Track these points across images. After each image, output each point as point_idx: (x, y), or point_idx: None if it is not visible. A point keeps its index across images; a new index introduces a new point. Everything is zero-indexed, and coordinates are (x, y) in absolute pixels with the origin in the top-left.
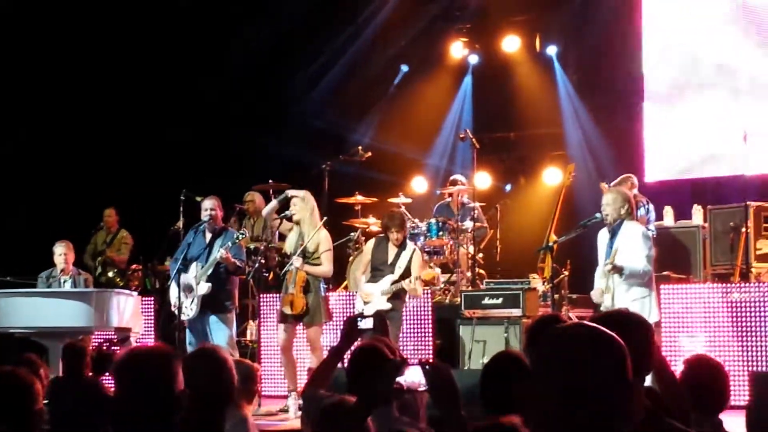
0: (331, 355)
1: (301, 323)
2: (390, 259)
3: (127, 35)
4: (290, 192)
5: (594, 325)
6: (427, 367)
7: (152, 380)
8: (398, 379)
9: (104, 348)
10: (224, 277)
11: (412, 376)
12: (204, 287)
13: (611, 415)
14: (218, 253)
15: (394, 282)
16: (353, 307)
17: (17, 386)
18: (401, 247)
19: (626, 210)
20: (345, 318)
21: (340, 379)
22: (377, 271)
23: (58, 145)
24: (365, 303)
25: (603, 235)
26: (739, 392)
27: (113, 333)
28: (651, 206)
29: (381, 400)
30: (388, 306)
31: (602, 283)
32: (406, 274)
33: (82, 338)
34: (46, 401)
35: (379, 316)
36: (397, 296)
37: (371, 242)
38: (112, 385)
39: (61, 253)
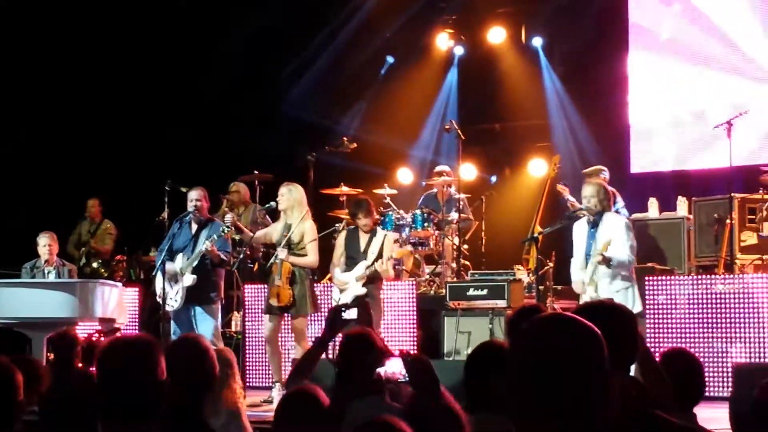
0: (315, 345)
1: (287, 314)
2: (362, 247)
3: (113, 28)
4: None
5: (570, 314)
6: (407, 358)
7: (134, 369)
8: (379, 370)
9: (94, 339)
10: (209, 268)
11: (393, 367)
12: (189, 279)
13: (587, 405)
14: (203, 245)
15: (368, 267)
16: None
17: None
18: (372, 233)
19: (607, 202)
20: (329, 309)
21: (324, 370)
22: (351, 260)
23: (39, 136)
24: (341, 291)
25: (580, 227)
26: (723, 384)
27: (98, 324)
28: (620, 198)
29: (361, 391)
30: (363, 291)
31: (580, 275)
32: (379, 258)
33: (66, 329)
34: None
35: (363, 306)
36: (371, 281)
37: (342, 234)
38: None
39: (45, 244)
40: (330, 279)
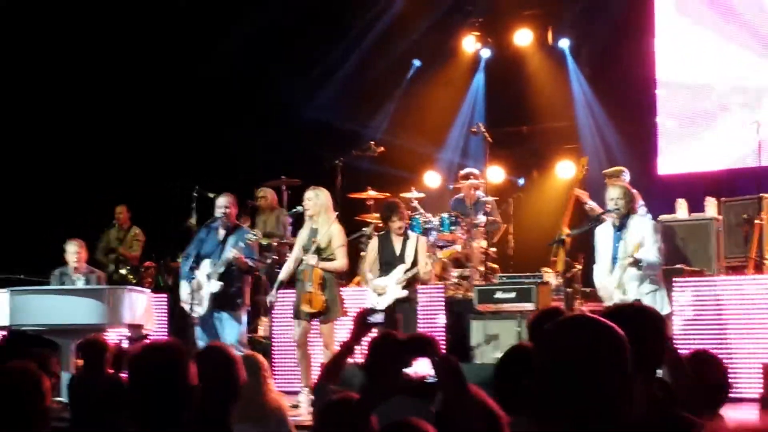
0: (341, 350)
1: (316, 319)
2: (398, 251)
3: (140, 33)
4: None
5: (592, 316)
6: (435, 359)
7: (164, 375)
8: (407, 370)
9: (123, 346)
10: (236, 275)
11: (422, 368)
12: (215, 285)
13: (609, 406)
14: (230, 253)
15: (407, 270)
16: (366, 303)
17: (19, 384)
18: (405, 237)
19: (633, 204)
20: (356, 313)
21: (350, 375)
22: (387, 265)
23: (69, 143)
24: (379, 295)
25: (604, 231)
26: (753, 384)
27: (126, 330)
28: (641, 201)
29: (388, 393)
30: (404, 293)
31: (606, 280)
32: (416, 262)
33: (94, 336)
34: (59, 398)
35: (390, 311)
36: (410, 284)
37: (374, 241)
38: None
39: (74, 251)
40: (358, 283)
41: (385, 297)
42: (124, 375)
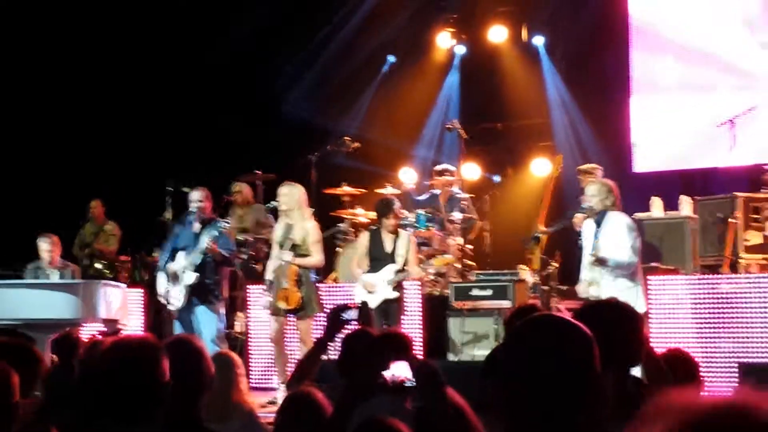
0: (315, 346)
1: (292, 315)
2: (388, 249)
3: (111, 26)
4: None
5: (561, 315)
6: (414, 362)
7: (136, 371)
8: (385, 373)
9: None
10: (212, 267)
11: (399, 371)
12: (191, 277)
13: (576, 406)
14: (203, 244)
15: (399, 271)
16: (343, 299)
17: None
18: (396, 235)
19: (611, 201)
20: (329, 310)
21: (327, 370)
22: (375, 261)
23: (42, 137)
24: (369, 293)
25: (588, 226)
26: (729, 384)
27: (102, 325)
28: None
29: (366, 393)
30: (395, 295)
31: (588, 276)
32: (407, 262)
33: (69, 330)
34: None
35: (364, 307)
36: (398, 285)
37: (365, 235)
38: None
39: (47, 249)
40: (335, 279)
41: (375, 296)
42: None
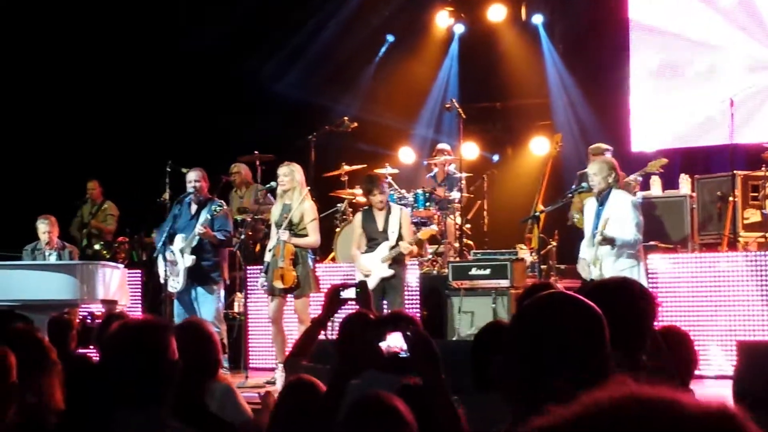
0: (313, 325)
1: (289, 295)
2: (381, 227)
3: (110, 7)
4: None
5: (570, 294)
6: (408, 333)
7: (146, 352)
8: (380, 344)
9: (87, 321)
10: (210, 249)
11: (394, 342)
12: (189, 259)
13: (586, 384)
14: (197, 229)
15: (392, 247)
16: (341, 278)
17: None
18: (388, 211)
19: (614, 178)
20: (327, 288)
21: (327, 350)
22: (372, 241)
23: (40, 117)
24: (365, 276)
25: (590, 204)
26: (727, 362)
27: (100, 306)
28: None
29: (360, 368)
30: (390, 272)
31: (589, 254)
32: (400, 237)
33: (67, 311)
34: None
35: (363, 286)
36: (396, 261)
37: (358, 216)
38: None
39: (45, 231)
40: (333, 259)
41: (371, 278)
42: (89, 351)
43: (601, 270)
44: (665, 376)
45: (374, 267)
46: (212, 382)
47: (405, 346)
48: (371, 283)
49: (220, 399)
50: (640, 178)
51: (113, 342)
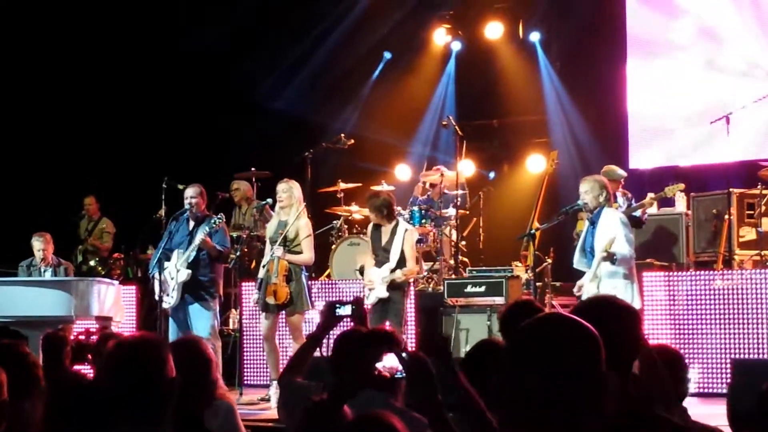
0: (308, 342)
1: (283, 312)
2: (384, 242)
3: (106, 22)
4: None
5: (568, 315)
6: (404, 354)
7: (144, 369)
8: (377, 365)
9: (82, 338)
10: (206, 263)
11: (390, 362)
12: (184, 274)
13: (583, 405)
14: (197, 238)
15: (392, 270)
16: (336, 295)
17: None
18: (395, 227)
19: (605, 197)
20: (323, 305)
21: (321, 367)
22: (376, 256)
23: (37, 133)
24: (370, 290)
25: (585, 222)
26: (722, 379)
27: (95, 322)
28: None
29: (359, 386)
30: (385, 295)
31: (588, 272)
32: (402, 257)
33: (62, 327)
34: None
35: (359, 303)
36: (395, 287)
37: (370, 227)
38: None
39: (40, 248)
40: (328, 276)
41: (373, 293)
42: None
43: (598, 288)
44: (658, 394)
45: (376, 285)
46: (216, 399)
47: (401, 367)
48: (370, 300)
49: (224, 417)
50: (654, 202)
51: (110, 359)
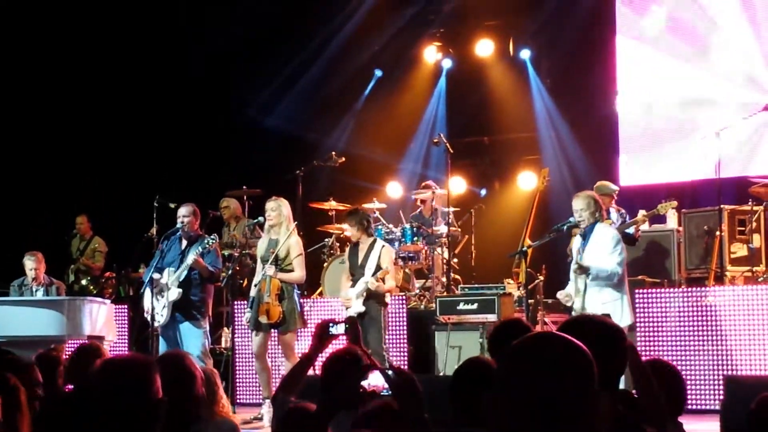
0: (301, 361)
1: (275, 330)
2: (360, 260)
3: (99, 42)
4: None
5: (560, 334)
6: (390, 372)
7: (130, 390)
8: (362, 383)
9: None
10: (197, 283)
11: (376, 381)
12: (174, 293)
13: (577, 426)
14: (190, 259)
15: (367, 282)
16: (328, 314)
17: None
18: (370, 247)
19: (599, 213)
20: (316, 324)
21: (315, 386)
22: (353, 275)
23: (29, 153)
24: (347, 308)
25: (577, 239)
26: (714, 396)
27: (87, 341)
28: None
29: (344, 405)
30: (361, 309)
31: (572, 287)
32: (378, 271)
33: (54, 347)
34: None
35: (352, 322)
36: (372, 297)
37: (347, 249)
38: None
39: (32, 267)
40: (320, 294)
41: (350, 311)
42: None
43: (584, 302)
44: (653, 411)
45: (353, 302)
46: (219, 418)
47: (387, 385)
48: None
49: None
50: (646, 219)
51: (97, 379)
